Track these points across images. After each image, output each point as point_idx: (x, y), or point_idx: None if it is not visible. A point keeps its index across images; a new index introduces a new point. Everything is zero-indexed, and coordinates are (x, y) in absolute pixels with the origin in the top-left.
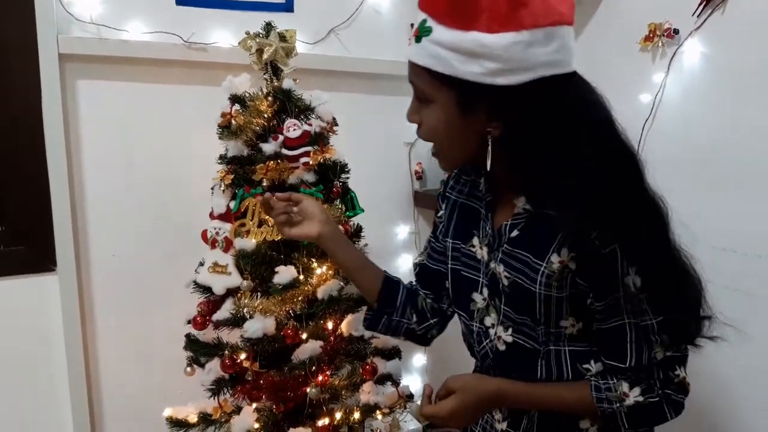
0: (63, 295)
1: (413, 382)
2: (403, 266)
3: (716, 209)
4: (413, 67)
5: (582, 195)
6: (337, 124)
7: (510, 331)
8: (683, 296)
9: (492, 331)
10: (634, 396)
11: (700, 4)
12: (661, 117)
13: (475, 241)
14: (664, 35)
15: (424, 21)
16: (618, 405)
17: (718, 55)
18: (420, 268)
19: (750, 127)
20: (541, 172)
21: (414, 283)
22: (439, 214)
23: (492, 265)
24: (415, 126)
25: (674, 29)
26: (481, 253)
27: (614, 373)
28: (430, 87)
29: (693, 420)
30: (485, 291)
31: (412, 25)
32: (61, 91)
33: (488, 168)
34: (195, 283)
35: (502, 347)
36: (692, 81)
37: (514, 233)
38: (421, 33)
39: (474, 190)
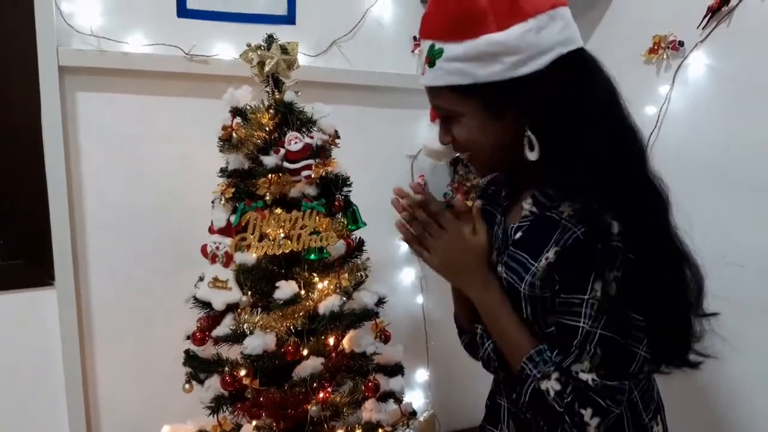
0: (61, 309)
1: (416, 399)
2: (405, 280)
3: (723, 223)
4: (434, 90)
5: (597, 175)
6: (339, 137)
7: None
8: (680, 286)
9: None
10: (551, 383)
11: (705, 17)
12: (667, 129)
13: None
14: (669, 47)
15: (432, 46)
16: (537, 376)
17: (723, 68)
18: None
19: (756, 140)
20: (568, 153)
21: None
22: None
23: (499, 268)
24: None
25: (679, 41)
26: (493, 256)
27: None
28: (456, 102)
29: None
30: None
31: (414, 38)
32: (61, 104)
33: (535, 157)
34: (194, 298)
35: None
36: (697, 93)
37: (518, 235)
38: (433, 57)
39: (497, 197)
